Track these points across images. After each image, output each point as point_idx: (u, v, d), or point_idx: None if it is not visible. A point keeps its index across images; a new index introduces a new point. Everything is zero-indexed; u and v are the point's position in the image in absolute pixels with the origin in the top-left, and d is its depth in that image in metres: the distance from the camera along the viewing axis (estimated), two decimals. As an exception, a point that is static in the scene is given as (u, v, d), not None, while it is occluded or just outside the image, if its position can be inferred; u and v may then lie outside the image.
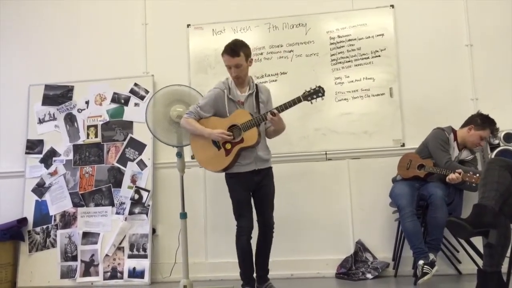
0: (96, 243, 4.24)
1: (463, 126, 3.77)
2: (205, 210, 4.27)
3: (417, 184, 3.69)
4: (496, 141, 3.89)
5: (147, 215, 4.22)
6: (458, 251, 3.88)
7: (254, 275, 3.28)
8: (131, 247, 4.19)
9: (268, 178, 3.30)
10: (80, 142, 4.44)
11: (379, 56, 4.21)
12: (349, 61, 4.25)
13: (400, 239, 3.83)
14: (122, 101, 4.45)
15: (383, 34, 4.22)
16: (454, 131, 3.76)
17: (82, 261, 4.22)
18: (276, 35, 4.35)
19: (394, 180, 3.86)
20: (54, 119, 4.51)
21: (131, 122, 4.40)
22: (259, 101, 3.29)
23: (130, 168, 4.32)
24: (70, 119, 4.49)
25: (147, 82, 4.45)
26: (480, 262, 2.94)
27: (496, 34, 4.11)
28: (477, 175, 3.43)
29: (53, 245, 4.29)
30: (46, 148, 4.47)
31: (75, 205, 4.33)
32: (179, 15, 4.50)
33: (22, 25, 4.74)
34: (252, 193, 3.26)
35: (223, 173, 3.28)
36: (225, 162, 3.17)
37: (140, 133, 4.34)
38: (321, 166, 4.20)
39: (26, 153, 4.49)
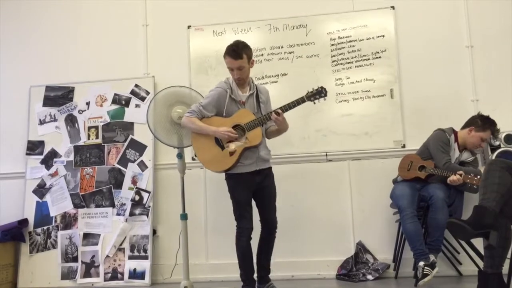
0: (96, 244, 4.24)
1: (464, 127, 3.77)
2: (205, 211, 4.27)
3: (417, 185, 3.69)
4: (497, 142, 3.89)
5: (147, 216, 4.22)
6: (458, 253, 3.88)
7: (255, 276, 3.28)
8: (132, 248, 4.19)
9: (270, 178, 3.31)
10: (80, 143, 4.44)
11: (379, 57, 4.21)
12: (350, 62, 4.25)
13: (400, 240, 3.83)
14: (123, 102, 4.45)
15: (383, 35, 4.23)
16: (455, 132, 3.76)
17: (82, 262, 4.22)
18: (276, 36, 4.35)
19: (394, 181, 3.86)
20: (55, 120, 4.51)
21: (132, 123, 4.40)
22: (259, 101, 3.30)
23: (131, 169, 4.32)
24: (71, 120, 4.49)
25: (147, 83, 4.45)
26: (480, 263, 2.94)
27: (497, 36, 4.12)
28: (478, 177, 3.43)
29: (54, 246, 4.30)
30: (46, 149, 4.47)
31: (76, 206, 4.34)
32: (180, 16, 4.50)
33: (23, 26, 4.74)
34: (253, 193, 3.25)
35: (223, 174, 3.27)
36: (229, 162, 3.15)
37: (141, 134, 4.34)
38: (321, 167, 4.19)
39: (27, 154, 4.49)
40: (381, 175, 4.05)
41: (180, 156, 3.64)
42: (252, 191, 3.24)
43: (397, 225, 3.90)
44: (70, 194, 4.36)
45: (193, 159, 4.28)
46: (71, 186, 4.37)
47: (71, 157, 4.43)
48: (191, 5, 4.51)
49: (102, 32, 4.63)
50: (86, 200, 4.33)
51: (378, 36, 4.23)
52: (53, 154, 4.46)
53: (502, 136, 3.85)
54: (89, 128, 4.45)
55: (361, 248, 4.04)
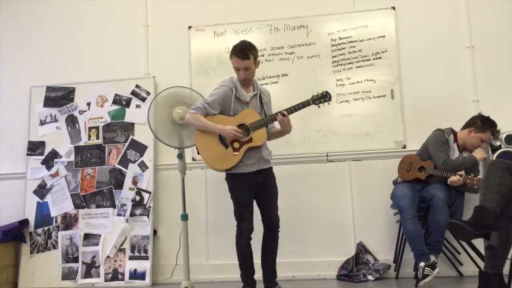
0: (97, 244, 4.24)
1: (464, 128, 3.77)
2: (206, 212, 4.28)
3: (418, 186, 3.69)
4: (498, 143, 3.89)
5: (148, 217, 4.22)
6: (459, 253, 3.87)
7: (255, 276, 3.27)
8: (132, 249, 4.19)
9: (271, 178, 3.30)
10: (81, 143, 4.44)
11: (380, 58, 4.21)
12: (350, 63, 4.25)
13: (401, 241, 3.83)
14: (124, 102, 4.45)
15: (384, 36, 4.23)
16: (454, 133, 3.76)
17: (83, 262, 4.22)
18: (277, 36, 4.36)
19: (395, 183, 3.85)
20: (56, 120, 4.51)
21: (133, 124, 4.40)
22: (262, 102, 3.31)
23: (131, 170, 4.32)
24: (71, 121, 4.50)
25: (148, 84, 4.45)
26: (481, 264, 2.93)
27: (497, 36, 4.11)
28: (478, 177, 3.43)
29: (54, 247, 4.30)
30: (47, 150, 4.47)
31: (76, 206, 4.34)
32: (181, 16, 4.50)
33: (23, 26, 4.75)
34: (255, 193, 3.24)
35: (223, 173, 3.26)
36: (233, 160, 3.14)
37: (142, 134, 4.35)
38: (322, 168, 4.19)
39: (28, 154, 4.49)
40: (382, 175, 4.05)
41: (181, 156, 3.64)
42: (254, 191, 3.23)
43: (397, 225, 3.89)
44: (71, 195, 4.36)
45: (193, 159, 4.29)
46: (71, 186, 4.38)
47: (72, 158, 4.43)
48: (192, 6, 4.52)
49: (102, 33, 4.64)
50: (87, 201, 4.33)
51: (379, 37, 4.23)
52: (54, 154, 4.46)
53: (502, 136, 3.85)
54: (90, 128, 4.45)
55: (361, 249, 4.04)
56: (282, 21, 4.35)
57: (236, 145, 3.15)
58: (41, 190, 4.41)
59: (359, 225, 4.11)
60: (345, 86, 4.23)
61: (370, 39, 4.24)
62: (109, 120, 4.44)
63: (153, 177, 4.29)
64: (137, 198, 4.26)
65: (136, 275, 4.13)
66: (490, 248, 2.53)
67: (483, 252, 2.70)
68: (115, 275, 4.16)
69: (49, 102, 4.55)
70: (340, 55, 4.27)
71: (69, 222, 4.33)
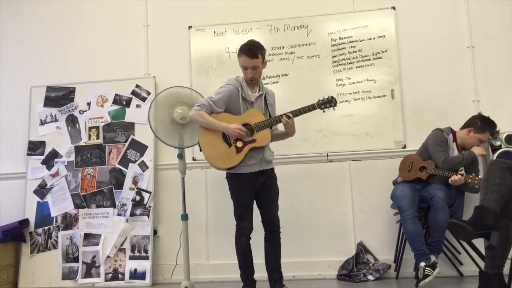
0: (97, 244, 4.24)
1: (463, 127, 3.77)
2: (206, 212, 4.28)
3: (418, 186, 3.69)
4: (498, 143, 3.89)
5: (148, 217, 4.22)
6: (459, 253, 3.88)
7: (255, 276, 3.27)
8: (133, 249, 4.19)
9: (272, 178, 3.29)
10: (81, 143, 4.44)
11: (380, 57, 4.21)
12: (351, 63, 4.25)
13: (401, 241, 3.83)
14: (124, 102, 4.45)
15: (384, 36, 4.23)
16: (454, 132, 3.76)
17: (83, 262, 4.23)
18: (277, 36, 4.36)
19: (395, 183, 3.85)
20: (56, 120, 4.51)
21: (133, 124, 4.40)
22: (267, 103, 3.29)
23: (132, 170, 4.32)
24: (71, 121, 4.50)
25: (148, 84, 4.45)
26: (481, 264, 2.93)
27: (498, 36, 4.11)
28: (479, 177, 3.43)
29: (55, 247, 4.30)
30: (47, 150, 4.47)
31: (77, 206, 4.34)
32: (181, 16, 4.50)
33: (23, 26, 4.75)
34: (255, 194, 3.23)
35: (225, 174, 3.26)
36: (236, 160, 3.12)
37: (142, 134, 4.35)
38: (322, 168, 4.19)
39: (28, 154, 4.50)
40: (382, 175, 4.05)
41: (181, 156, 3.64)
42: (255, 191, 3.21)
43: (398, 225, 3.90)
44: (71, 195, 4.36)
45: (193, 159, 4.29)
46: (72, 186, 4.38)
47: (72, 158, 4.43)
48: (192, 6, 4.52)
49: (103, 33, 4.64)
50: (87, 201, 4.34)
51: (379, 37, 4.23)
52: (54, 154, 4.46)
53: (503, 136, 3.85)
54: (90, 128, 4.46)
55: (362, 249, 4.04)
56: (282, 21, 4.35)
57: (239, 144, 3.13)
58: (41, 190, 4.41)
59: (359, 225, 4.11)
60: (345, 86, 4.23)
61: (370, 39, 4.24)
62: (109, 120, 4.44)
63: (153, 177, 4.29)
64: (137, 198, 4.26)
65: (136, 275, 4.13)
66: (490, 248, 2.53)
67: (483, 252, 2.70)
68: (115, 275, 4.16)
69: (49, 102, 4.55)
70: (340, 55, 4.27)
71: (69, 222, 4.33)
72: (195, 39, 4.46)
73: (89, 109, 4.49)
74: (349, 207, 4.14)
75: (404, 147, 4.10)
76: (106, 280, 4.16)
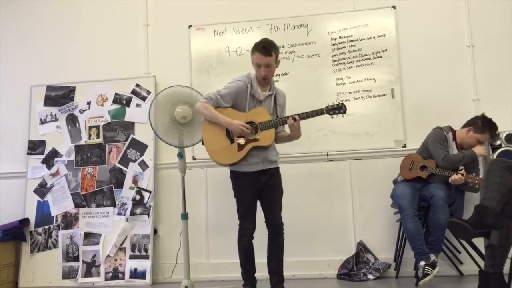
0: (97, 243, 4.24)
1: (464, 126, 3.77)
2: (206, 211, 4.28)
3: (418, 185, 3.69)
4: (498, 142, 3.88)
5: (148, 216, 4.22)
6: (459, 252, 3.88)
7: (256, 275, 3.25)
8: (133, 248, 4.19)
9: (276, 177, 3.23)
10: (81, 142, 4.44)
11: (380, 57, 4.21)
12: (351, 62, 4.25)
13: (401, 240, 3.83)
14: (124, 102, 4.45)
15: (384, 35, 4.23)
16: (453, 131, 3.76)
17: (83, 261, 4.23)
18: (277, 36, 4.35)
19: (395, 182, 3.85)
20: (56, 119, 4.52)
21: (133, 123, 4.40)
22: (276, 103, 3.25)
23: (132, 169, 4.32)
24: (71, 120, 4.50)
25: (148, 83, 4.45)
26: (481, 263, 2.93)
27: (498, 35, 4.11)
28: (480, 176, 3.43)
29: (55, 246, 4.30)
30: (48, 149, 4.48)
31: (77, 205, 4.34)
32: (181, 16, 4.50)
33: (23, 26, 4.75)
34: (259, 194, 3.20)
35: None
36: (236, 157, 3.10)
37: (142, 134, 4.35)
38: (322, 167, 4.20)
39: (28, 153, 4.50)
40: (382, 174, 4.05)
41: (181, 155, 3.64)
42: (258, 190, 3.18)
43: (398, 224, 3.90)
44: (71, 194, 4.36)
45: (194, 158, 4.29)
46: (72, 185, 4.38)
47: (72, 157, 4.43)
48: (192, 5, 4.52)
49: (103, 32, 4.64)
50: (87, 200, 4.34)
51: (379, 36, 4.23)
52: (54, 153, 4.46)
53: (503, 135, 3.85)
54: (90, 127, 4.46)
55: (362, 248, 4.04)
56: (282, 20, 4.35)
57: (242, 141, 3.10)
58: (42, 189, 4.41)
59: (359, 224, 4.11)
60: (345, 85, 4.23)
61: (371, 38, 4.24)
62: (109, 119, 4.44)
63: (154, 176, 4.30)
64: (138, 197, 4.27)
65: (137, 274, 4.13)
66: (491, 247, 2.53)
67: (483, 251, 2.70)
68: (116, 274, 4.16)
69: (49, 101, 4.55)
70: (340, 54, 4.27)
71: (69, 221, 4.33)
72: (195, 38, 4.46)
73: (89, 108, 4.49)
74: (349, 206, 4.14)
75: (404, 146, 4.10)
76: (106, 279, 4.16)
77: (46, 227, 4.35)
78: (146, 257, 4.15)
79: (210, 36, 4.44)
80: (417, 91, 4.15)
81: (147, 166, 4.31)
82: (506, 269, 2.65)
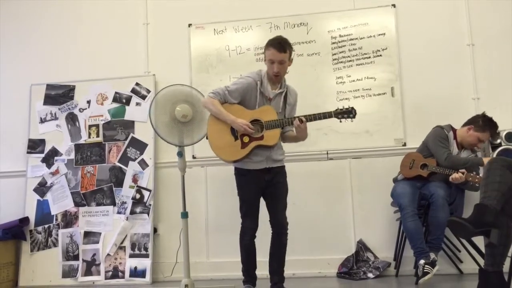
0: (97, 242, 4.24)
1: (465, 125, 3.76)
2: (206, 210, 4.28)
3: (418, 184, 3.69)
4: (498, 141, 3.88)
5: (148, 215, 4.22)
6: (459, 251, 3.88)
7: (258, 273, 3.24)
8: (133, 247, 4.19)
9: (280, 176, 3.19)
10: (81, 141, 4.44)
11: (380, 55, 4.21)
12: (351, 61, 4.25)
13: (401, 238, 3.83)
14: (124, 100, 4.45)
15: (384, 34, 4.22)
16: (454, 130, 3.76)
17: (83, 260, 4.23)
18: (277, 34, 4.30)
19: (395, 180, 3.85)
20: (56, 118, 4.51)
21: (133, 122, 4.40)
22: (286, 102, 3.20)
23: (132, 168, 4.32)
24: (71, 119, 4.50)
25: (148, 82, 4.45)
26: (481, 261, 2.94)
27: (498, 34, 4.11)
28: (480, 175, 3.43)
29: (55, 245, 4.30)
30: (47, 148, 4.48)
31: (77, 204, 4.34)
32: (181, 14, 4.50)
33: (23, 25, 4.75)
34: (263, 192, 3.17)
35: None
36: (239, 154, 3.08)
37: (142, 132, 4.35)
38: (322, 166, 4.20)
39: (28, 152, 4.50)
40: (382, 173, 4.05)
41: (181, 154, 3.63)
42: (261, 189, 3.15)
43: (398, 223, 3.90)
44: (71, 193, 4.36)
45: (193, 157, 4.29)
46: (72, 184, 4.38)
47: (72, 156, 4.43)
48: (192, 4, 4.51)
49: (102, 31, 4.63)
50: (87, 199, 4.34)
51: (379, 34, 4.23)
52: (54, 152, 4.46)
53: (503, 134, 3.85)
54: (90, 126, 4.45)
55: (362, 246, 4.04)
56: (282, 18, 4.35)
57: (246, 139, 3.07)
58: (41, 188, 4.41)
59: (359, 222, 4.11)
60: (345, 84, 4.23)
61: (371, 36, 4.23)
62: (109, 118, 4.44)
63: (153, 175, 4.30)
64: (137, 196, 4.27)
65: (137, 273, 4.13)
66: (490, 245, 2.53)
67: (483, 249, 2.70)
68: (116, 273, 4.16)
69: (49, 100, 4.55)
70: (340, 52, 4.26)
71: (69, 220, 4.33)
72: (195, 37, 4.46)
73: (89, 107, 4.49)
74: (349, 205, 4.14)
75: (404, 145, 4.09)
76: (106, 278, 4.16)
77: (46, 226, 4.35)
78: (146, 255, 4.15)
79: (210, 35, 4.43)
80: (417, 89, 4.15)
81: (147, 165, 4.31)
82: (506, 268, 2.65)
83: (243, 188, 3.16)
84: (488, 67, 4.10)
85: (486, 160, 3.53)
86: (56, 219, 4.35)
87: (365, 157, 4.16)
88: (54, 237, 4.32)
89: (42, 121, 4.53)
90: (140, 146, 4.35)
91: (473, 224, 2.48)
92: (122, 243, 4.21)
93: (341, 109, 3.13)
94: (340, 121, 3.16)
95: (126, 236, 4.22)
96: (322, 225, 4.13)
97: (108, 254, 4.20)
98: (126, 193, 4.29)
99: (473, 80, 4.11)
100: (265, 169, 3.12)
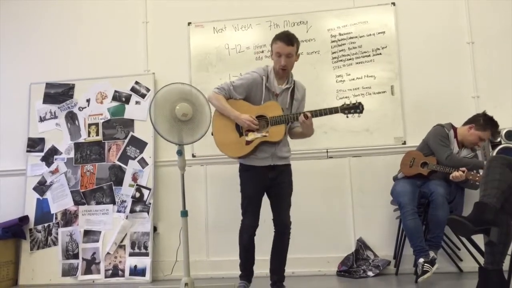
0: (97, 241, 4.24)
1: (465, 124, 3.77)
2: (206, 208, 4.28)
3: (418, 182, 3.69)
4: (498, 139, 3.88)
5: (148, 213, 4.22)
6: (459, 249, 3.88)
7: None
8: (132, 245, 4.19)
9: (285, 174, 3.16)
10: (81, 140, 4.44)
11: (380, 54, 4.20)
12: (350, 59, 4.25)
13: (401, 237, 3.83)
14: (123, 99, 4.45)
15: (384, 32, 4.22)
16: (454, 128, 3.76)
17: (83, 259, 4.23)
18: (277, 33, 4.31)
19: (395, 179, 3.85)
20: (55, 117, 4.51)
21: (132, 120, 4.40)
22: (293, 97, 3.17)
23: (131, 166, 4.32)
24: (71, 117, 4.49)
25: (148, 80, 4.45)
26: (481, 259, 2.93)
27: (498, 32, 4.11)
28: (480, 173, 3.42)
29: (55, 243, 4.30)
30: (47, 146, 4.47)
31: (76, 203, 4.34)
32: (180, 13, 4.49)
33: (23, 23, 4.74)
34: (267, 190, 3.16)
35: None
36: (243, 150, 3.06)
37: (141, 131, 4.35)
38: (322, 164, 4.19)
39: (27, 151, 4.49)
40: (382, 171, 4.05)
41: (180, 153, 3.62)
42: (265, 186, 3.13)
43: (397, 221, 3.90)
44: (71, 191, 4.36)
45: (193, 156, 4.29)
46: (71, 183, 4.38)
47: (72, 154, 4.43)
48: (191, 2, 4.51)
49: (102, 30, 4.63)
50: (87, 197, 4.34)
51: (379, 33, 4.22)
52: (54, 151, 4.46)
53: (503, 132, 3.85)
54: (90, 125, 4.45)
55: (361, 245, 4.04)
56: (281, 17, 4.34)
57: (250, 137, 3.06)
58: (41, 187, 4.41)
59: (359, 221, 4.11)
60: (345, 82, 4.23)
61: (370, 35, 4.23)
62: (108, 117, 4.44)
63: (153, 174, 4.29)
64: (137, 194, 4.26)
65: (136, 272, 4.14)
66: (490, 244, 2.53)
67: (483, 248, 2.70)
68: (115, 272, 4.17)
69: (48, 98, 4.55)
70: (340, 51, 4.26)
71: (69, 218, 4.33)
72: (195, 35, 4.45)
73: (88, 105, 4.48)
74: (349, 203, 4.14)
75: (404, 143, 4.09)
76: (106, 277, 4.16)
77: (46, 224, 4.35)
78: (146, 254, 4.16)
79: (210, 33, 4.43)
80: (417, 88, 4.15)
81: (147, 164, 4.31)
82: (505, 266, 2.65)
83: (246, 184, 3.14)
84: (488, 65, 4.09)
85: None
86: (56, 218, 4.35)
87: (365, 156, 4.16)
88: (54, 236, 4.32)
89: (42, 119, 4.53)
90: (140, 144, 4.34)
91: (473, 222, 2.48)
92: (122, 241, 4.21)
93: (347, 104, 3.08)
94: (347, 117, 3.10)
95: (126, 234, 4.22)
96: (322, 223, 4.13)
97: (108, 253, 4.20)
98: (126, 191, 4.29)
99: (473, 79, 4.11)
100: (270, 166, 3.10)
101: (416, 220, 3.46)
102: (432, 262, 3.36)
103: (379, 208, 4.07)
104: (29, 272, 4.27)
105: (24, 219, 4.33)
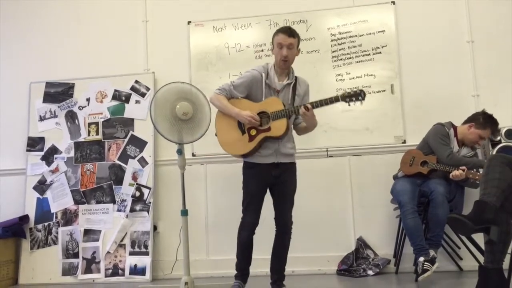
0: (97, 240, 4.24)
1: (465, 122, 3.77)
2: (206, 207, 4.28)
3: (418, 181, 3.69)
4: (498, 138, 3.88)
5: (148, 212, 4.22)
6: (459, 248, 3.88)
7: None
8: (133, 244, 4.19)
9: (289, 173, 3.14)
10: (81, 139, 4.44)
11: (380, 52, 4.20)
12: (350, 58, 4.24)
13: (401, 236, 3.83)
14: (123, 98, 4.45)
15: (384, 31, 4.22)
16: (454, 127, 3.76)
17: (83, 258, 4.23)
18: (276, 32, 4.34)
19: (395, 177, 3.85)
20: (55, 116, 4.51)
21: (132, 120, 4.40)
22: (295, 93, 3.15)
23: (131, 165, 4.32)
24: (71, 117, 4.49)
25: (148, 79, 4.44)
26: (481, 258, 2.94)
27: (498, 31, 4.10)
28: (480, 172, 3.42)
29: (55, 242, 4.30)
30: (47, 146, 4.47)
31: (77, 202, 4.34)
32: (180, 12, 4.49)
33: (22, 22, 4.74)
34: (270, 188, 3.15)
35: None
36: (247, 148, 3.05)
37: (141, 130, 4.35)
38: (322, 163, 4.19)
39: (27, 150, 4.49)
40: (382, 170, 4.05)
41: (180, 152, 3.62)
42: (267, 184, 3.12)
43: (397, 220, 3.90)
44: (71, 190, 4.36)
45: (193, 155, 4.29)
46: (71, 182, 4.38)
47: (72, 153, 4.43)
48: (191, 1, 4.51)
49: (102, 28, 4.63)
50: (87, 196, 4.34)
51: (379, 31, 4.22)
52: (54, 150, 4.46)
53: (503, 131, 3.84)
54: (90, 124, 4.45)
55: (361, 244, 4.04)
56: (281, 16, 4.34)
57: (253, 132, 3.05)
58: (41, 186, 4.41)
59: (359, 220, 4.11)
60: (345, 81, 4.23)
61: (370, 33, 4.23)
62: (108, 116, 4.43)
63: (153, 173, 4.29)
64: (137, 193, 4.26)
65: (137, 271, 4.14)
66: (490, 242, 2.53)
67: (483, 246, 2.70)
68: (116, 271, 4.17)
69: (48, 98, 4.55)
70: (339, 50, 4.26)
71: (69, 218, 4.33)
72: (194, 34, 4.45)
73: (88, 105, 4.48)
74: (348, 202, 4.14)
75: (404, 142, 4.09)
76: (106, 276, 4.17)
77: (46, 223, 4.35)
78: (146, 253, 4.16)
79: (209, 32, 4.43)
80: (416, 86, 4.15)
81: (147, 163, 4.31)
82: (505, 265, 2.65)
83: (248, 181, 3.12)
84: (488, 64, 4.09)
85: None
86: (56, 217, 4.35)
87: (365, 154, 4.16)
88: (54, 235, 4.32)
89: (42, 119, 4.53)
90: (140, 143, 4.34)
91: (473, 221, 2.48)
92: (122, 240, 4.21)
93: (348, 92, 3.01)
94: (349, 105, 3.02)
95: (126, 233, 4.22)
96: (322, 222, 4.13)
97: (108, 252, 4.20)
98: (126, 190, 4.29)
99: (473, 77, 4.11)
100: (273, 164, 3.08)
101: (416, 219, 3.46)
102: (432, 261, 3.36)
103: (379, 207, 4.07)
104: (29, 271, 4.27)
105: (24, 218, 4.33)
